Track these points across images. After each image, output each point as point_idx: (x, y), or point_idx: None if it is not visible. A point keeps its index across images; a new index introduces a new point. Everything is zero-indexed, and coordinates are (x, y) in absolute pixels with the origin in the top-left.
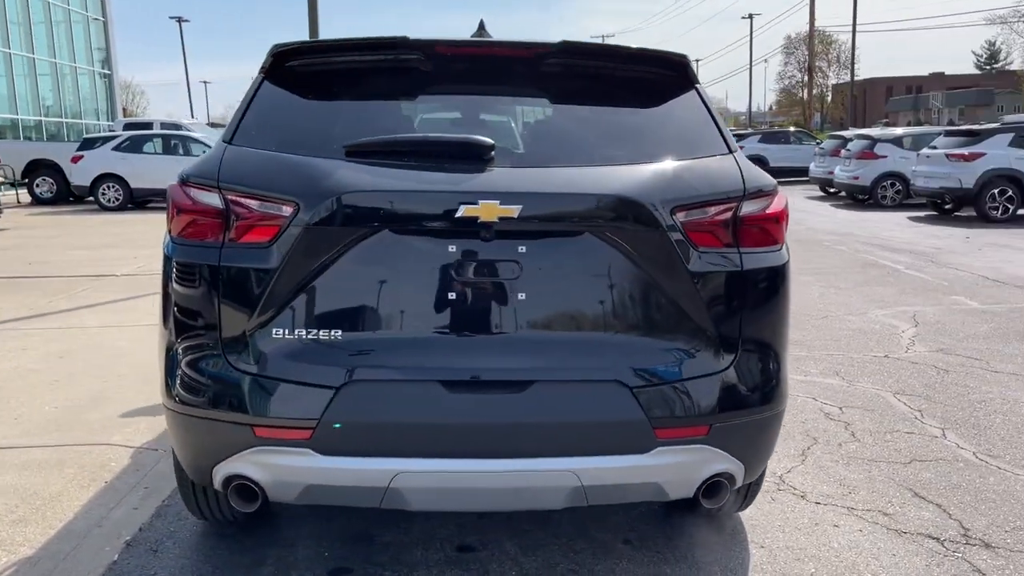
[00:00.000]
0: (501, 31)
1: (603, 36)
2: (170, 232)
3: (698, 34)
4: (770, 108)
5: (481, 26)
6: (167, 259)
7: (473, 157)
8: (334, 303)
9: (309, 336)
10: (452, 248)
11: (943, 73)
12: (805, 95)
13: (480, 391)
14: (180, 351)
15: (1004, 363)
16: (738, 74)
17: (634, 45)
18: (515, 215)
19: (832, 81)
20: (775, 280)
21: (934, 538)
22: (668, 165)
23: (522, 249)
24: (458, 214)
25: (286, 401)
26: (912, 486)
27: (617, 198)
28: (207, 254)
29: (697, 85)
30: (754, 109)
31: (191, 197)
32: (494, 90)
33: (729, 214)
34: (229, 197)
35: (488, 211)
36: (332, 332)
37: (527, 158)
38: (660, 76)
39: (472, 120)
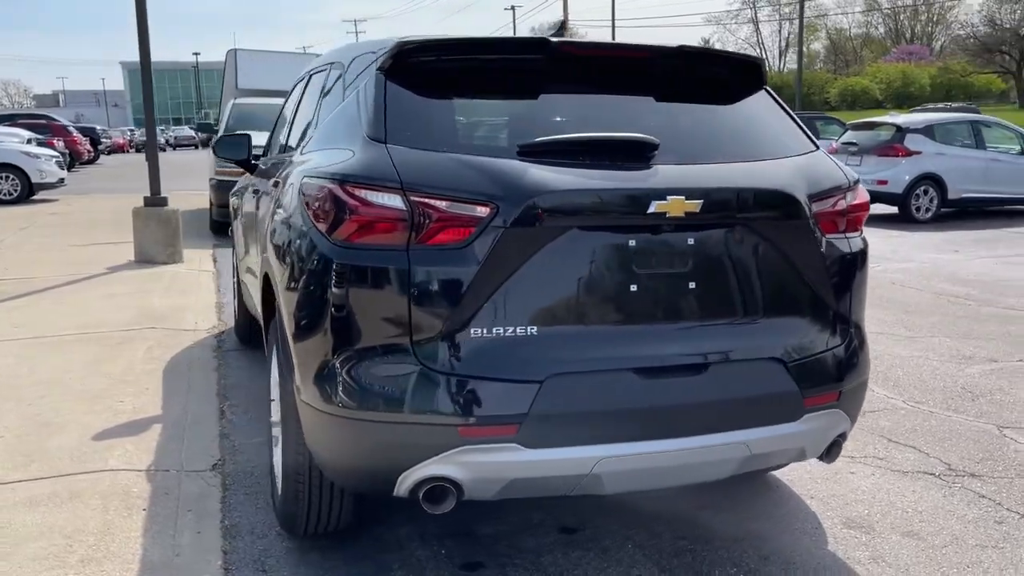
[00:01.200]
0: (270, 15)
1: (354, 20)
2: (327, 235)
3: (455, 22)
4: None
5: (562, 26)
6: (327, 263)
7: (638, 155)
8: (528, 300)
9: (507, 333)
10: (632, 243)
11: None
12: None
13: (666, 376)
14: (351, 357)
15: (868, 326)
16: None
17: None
18: (697, 210)
19: None
20: (865, 260)
21: (931, 474)
22: (796, 160)
23: (690, 241)
24: (650, 210)
25: (492, 399)
26: (881, 433)
27: (775, 192)
28: (390, 257)
29: (766, 86)
30: None
31: (363, 199)
32: (624, 89)
33: (844, 203)
34: (414, 199)
35: (676, 206)
36: (528, 328)
37: (680, 155)
38: (746, 78)
39: (612, 119)
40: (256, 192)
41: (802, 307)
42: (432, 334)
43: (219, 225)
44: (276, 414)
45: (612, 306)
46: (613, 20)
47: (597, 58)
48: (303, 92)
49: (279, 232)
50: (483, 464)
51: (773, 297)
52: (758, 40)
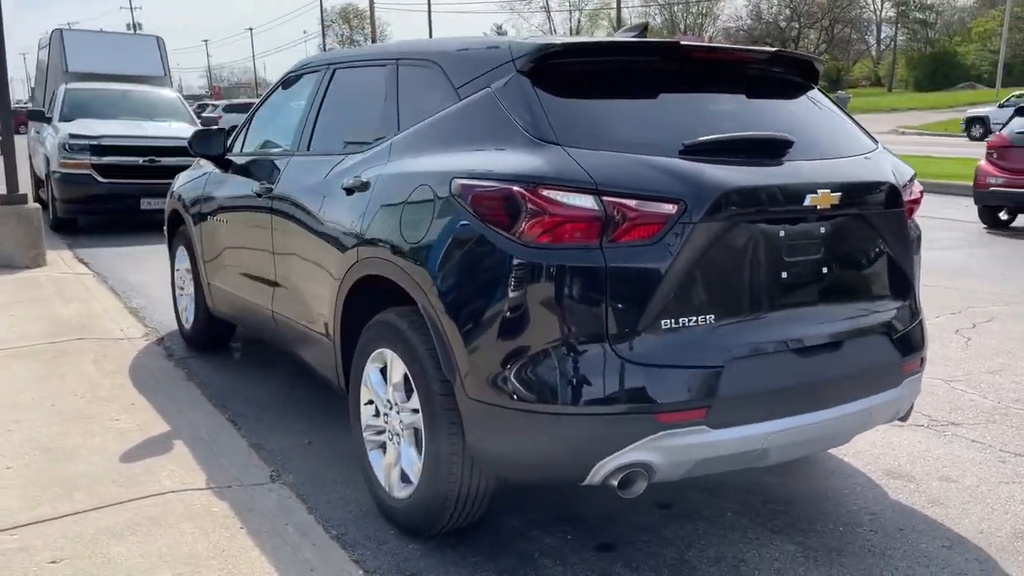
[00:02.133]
0: None
1: None
2: (511, 237)
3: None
4: None
5: (645, 29)
6: (513, 264)
7: (778, 152)
8: (705, 291)
9: (691, 323)
10: (782, 233)
11: None
12: None
13: (816, 354)
14: (546, 353)
15: None
16: (293, 47)
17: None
18: (837, 202)
19: None
20: (921, 243)
21: (921, 426)
22: (880, 154)
23: (822, 230)
24: (805, 203)
25: (685, 385)
26: None
27: (888, 184)
28: (584, 256)
29: (816, 84)
30: None
31: (556, 200)
32: (733, 89)
33: (916, 193)
34: (607, 199)
35: (825, 199)
36: (707, 317)
37: (801, 151)
38: (809, 76)
39: (737, 117)
40: (266, 190)
41: (896, 285)
42: (626, 327)
43: (63, 223)
44: (371, 418)
45: (771, 292)
46: (429, 7)
47: (712, 60)
48: (324, 90)
49: (417, 235)
50: (677, 447)
51: (878, 277)
52: (551, 28)
